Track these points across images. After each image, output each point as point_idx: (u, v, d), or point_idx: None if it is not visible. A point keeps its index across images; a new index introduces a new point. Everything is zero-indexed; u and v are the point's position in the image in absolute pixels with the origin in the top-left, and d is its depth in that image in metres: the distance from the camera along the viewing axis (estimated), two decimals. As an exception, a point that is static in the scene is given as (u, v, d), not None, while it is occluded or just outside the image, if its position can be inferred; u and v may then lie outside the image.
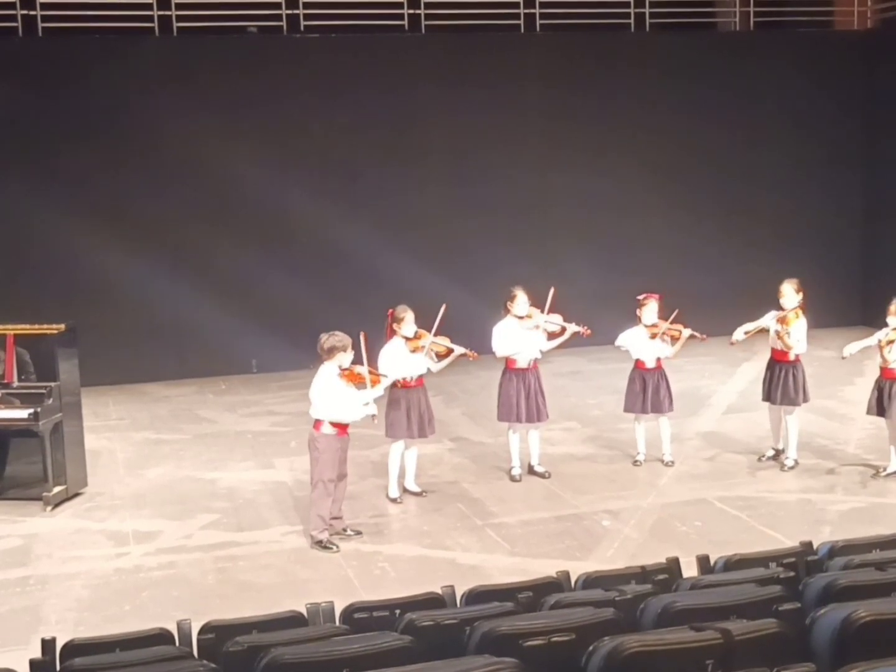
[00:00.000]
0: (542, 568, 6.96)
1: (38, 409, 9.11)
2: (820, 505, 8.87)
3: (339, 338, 8.14)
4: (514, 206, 15.52)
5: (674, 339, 9.76)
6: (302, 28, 14.94)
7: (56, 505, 9.25)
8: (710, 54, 16.22)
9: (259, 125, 14.55)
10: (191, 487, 9.89)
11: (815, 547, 5.61)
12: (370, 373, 8.29)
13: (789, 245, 15.89)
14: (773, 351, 9.76)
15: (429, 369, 9.18)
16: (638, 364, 9.90)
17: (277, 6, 14.85)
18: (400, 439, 9.18)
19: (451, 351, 9.16)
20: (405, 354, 8.96)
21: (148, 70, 14.11)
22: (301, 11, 14.86)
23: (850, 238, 16.88)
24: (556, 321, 9.61)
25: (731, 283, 15.34)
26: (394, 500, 9.24)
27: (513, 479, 9.75)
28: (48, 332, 9.38)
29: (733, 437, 10.93)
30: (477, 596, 5.10)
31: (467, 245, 15.21)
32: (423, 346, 8.99)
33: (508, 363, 9.62)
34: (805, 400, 9.71)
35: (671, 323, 9.72)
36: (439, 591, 5.24)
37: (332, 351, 8.10)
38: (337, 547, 8.14)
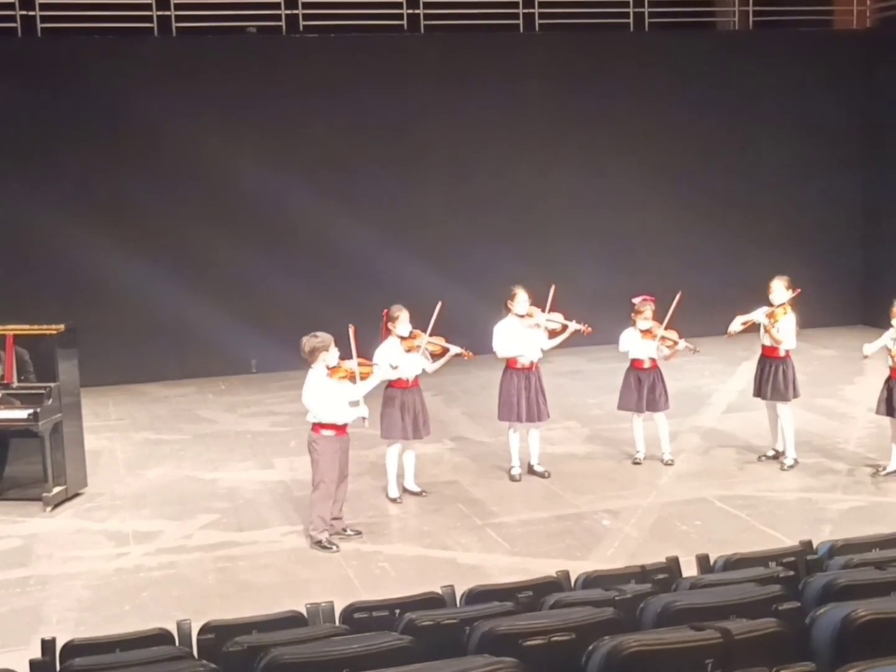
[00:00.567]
0: (542, 567, 6.96)
1: (38, 410, 9.10)
2: (820, 504, 8.87)
3: (320, 338, 8.09)
4: (514, 205, 15.53)
5: (668, 348, 9.76)
6: (301, 28, 14.94)
7: (56, 505, 9.25)
8: (710, 54, 16.22)
9: (258, 125, 14.55)
10: (191, 487, 9.89)
11: (814, 546, 5.61)
12: (360, 365, 8.25)
13: (789, 244, 15.89)
14: (764, 347, 9.83)
15: (424, 370, 9.16)
16: (634, 363, 9.91)
17: (276, 6, 14.86)
18: (395, 440, 9.18)
19: (446, 350, 9.14)
20: (400, 354, 8.95)
21: (147, 70, 14.12)
22: (300, 11, 14.86)
23: (850, 237, 16.89)
24: (556, 319, 9.61)
25: (730, 281, 15.34)
26: (394, 500, 9.24)
27: (512, 478, 9.75)
28: (48, 332, 9.38)
29: (733, 435, 10.93)
30: (477, 596, 5.10)
31: (467, 244, 15.21)
32: (418, 346, 8.98)
33: (509, 362, 9.62)
34: (795, 395, 9.74)
35: (666, 328, 9.72)
36: (439, 591, 5.24)
37: (313, 353, 8.06)
38: (337, 547, 8.14)
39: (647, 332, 9.73)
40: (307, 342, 8.09)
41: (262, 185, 14.48)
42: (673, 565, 5.50)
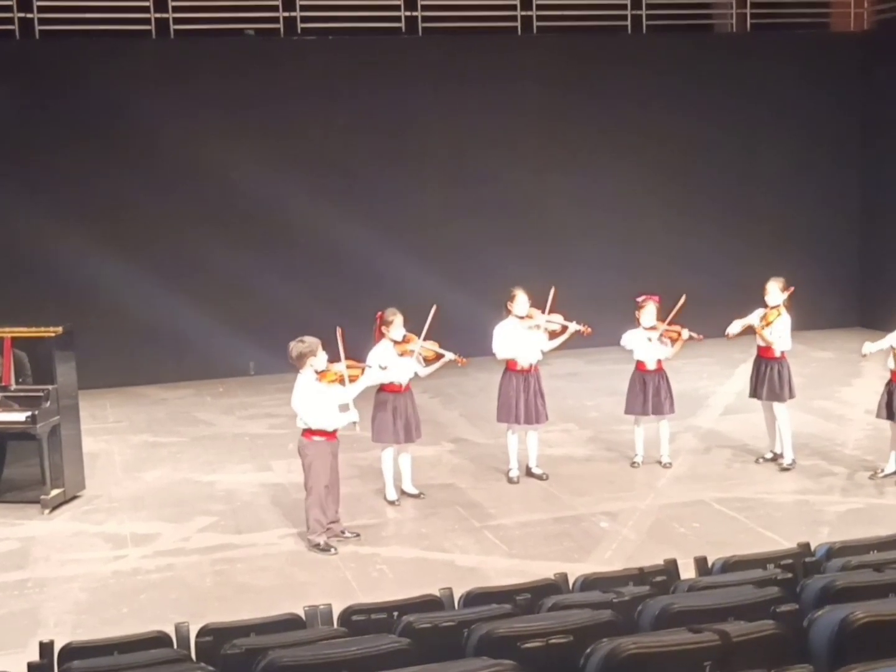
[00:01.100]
0: (540, 570, 6.96)
1: (36, 412, 9.10)
2: (818, 506, 8.88)
3: (307, 343, 8.06)
4: (513, 207, 15.54)
5: (672, 341, 9.76)
6: (299, 30, 14.95)
7: (54, 508, 9.25)
8: (707, 56, 16.24)
9: (256, 127, 14.56)
10: (188, 490, 9.89)
11: (812, 548, 5.61)
12: (349, 367, 8.23)
13: (786, 246, 15.91)
14: (759, 348, 9.86)
15: (416, 373, 9.15)
16: (639, 366, 9.90)
17: (275, 9, 14.87)
18: (386, 443, 9.17)
19: (439, 356, 9.13)
20: (393, 358, 8.94)
21: (145, 73, 14.12)
22: (298, 14, 14.87)
23: (848, 239, 16.91)
24: (556, 320, 9.61)
25: (728, 283, 15.35)
26: (391, 503, 9.24)
27: (510, 480, 9.75)
28: (46, 334, 9.37)
29: (731, 437, 10.94)
30: (475, 598, 5.10)
31: (466, 246, 15.22)
32: (411, 351, 8.96)
33: (509, 364, 9.62)
34: (791, 396, 9.75)
35: (669, 324, 9.72)
36: (437, 594, 5.24)
37: (301, 358, 8.04)
38: (335, 549, 8.14)
39: (651, 329, 9.72)
40: (294, 347, 8.07)
41: (260, 188, 14.48)
42: (671, 567, 5.50)
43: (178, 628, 4.97)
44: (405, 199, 15.16)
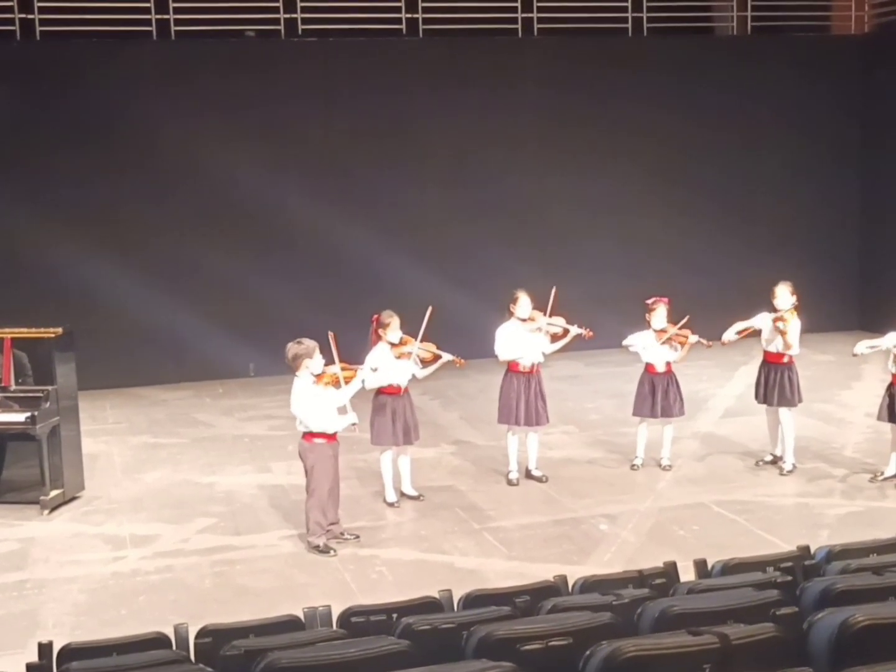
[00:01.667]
0: (540, 572, 6.96)
1: (36, 413, 9.09)
2: (817, 509, 8.88)
3: (304, 345, 8.05)
4: (513, 209, 15.54)
5: (681, 345, 9.74)
6: (300, 32, 14.95)
7: (53, 509, 9.24)
8: (708, 58, 16.24)
9: (257, 129, 14.55)
10: (188, 491, 9.88)
11: (812, 551, 5.60)
12: (343, 369, 8.23)
13: (786, 248, 15.91)
14: (767, 353, 9.78)
15: (414, 375, 9.15)
16: (648, 368, 9.88)
17: (275, 10, 14.87)
18: (385, 446, 9.17)
19: (437, 357, 9.12)
20: (391, 360, 8.94)
21: (146, 74, 14.12)
22: (299, 15, 14.88)
23: (847, 242, 16.91)
24: (558, 323, 9.61)
25: (728, 285, 15.36)
26: (391, 505, 9.23)
27: (510, 482, 9.74)
28: (46, 335, 9.38)
29: (731, 440, 10.93)
30: (474, 600, 5.09)
31: (467, 248, 15.22)
32: (409, 353, 8.95)
33: (511, 366, 9.61)
34: (799, 400, 9.73)
35: (680, 329, 9.71)
36: (436, 595, 5.23)
37: (297, 359, 8.04)
38: (334, 551, 8.13)
39: (661, 332, 9.71)
40: (291, 349, 8.07)
41: (260, 189, 14.48)
42: (670, 570, 5.49)
43: (177, 629, 4.97)
44: (405, 201, 15.16)
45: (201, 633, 4.81)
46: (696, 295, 14.03)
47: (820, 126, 16.49)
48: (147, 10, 14.41)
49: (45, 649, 4.79)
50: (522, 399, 9.52)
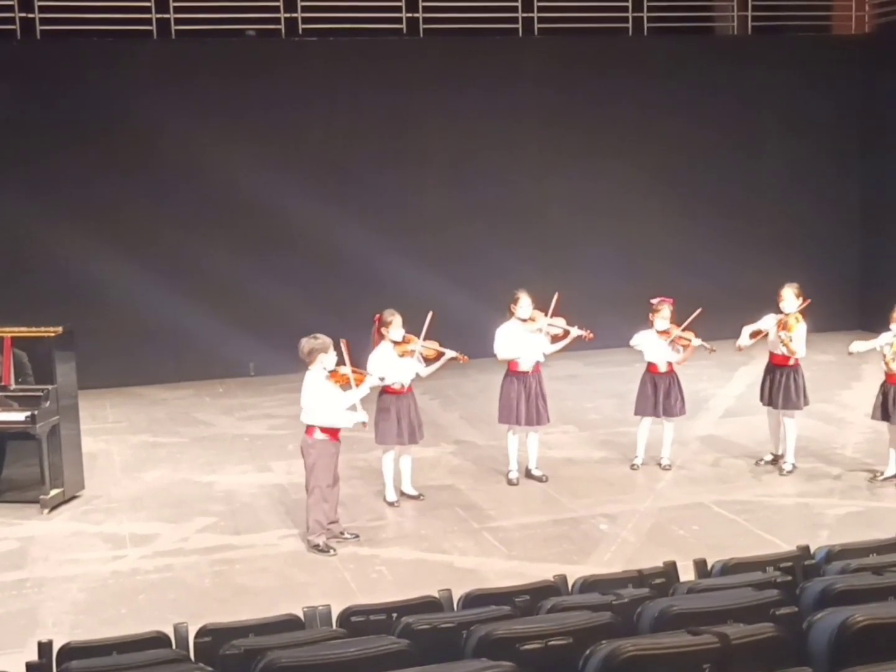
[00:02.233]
0: (540, 571, 6.96)
1: (36, 412, 9.09)
2: (817, 509, 8.88)
3: (320, 340, 8.10)
4: (514, 210, 15.54)
5: (684, 348, 9.74)
6: (300, 31, 14.94)
7: (53, 508, 9.24)
8: (708, 59, 16.23)
9: (257, 129, 14.55)
10: (188, 490, 9.89)
11: (812, 551, 5.61)
12: (354, 372, 8.25)
13: (787, 249, 15.90)
14: (772, 355, 9.75)
15: (418, 374, 9.15)
16: (650, 367, 9.87)
17: (276, 10, 14.86)
18: (390, 445, 9.17)
19: (440, 354, 9.13)
20: (394, 359, 8.94)
21: (146, 74, 14.12)
22: (299, 15, 14.87)
23: (848, 242, 16.91)
24: (559, 324, 9.61)
25: (728, 287, 15.35)
26: (391, 504, 9.23)
27: (510, 482, 9.74)
28: (46, 334, 9.38)
29: (731, 440, 10.93)
30: (474, 599, 5.09)
31: (466, 249, 15.22)
32: (412, 351, 8.96)
33: (511, 366, 9.61)
34: (805, 403, 9.73)
35: (683, 330, 9.69)
36: (436, 595, 5.23)
37: (312, 353, 8.06)
38: (334, 550, 8.13)
39: (664, 333, 9.70)
40: (307, 343, 8.10)
41: (260, 189, 14.47)
42: (670, 570, 5.50)
43: (176, 629, 4.97)
44: (405, 201, 15.15)
45: (201, 633, 4.81)
46: (696, 297, 14.00)
47: (820, 126, 16.49)
48: (147, 10, 14.40)
49: (44, 648, 4.79)
50: (523, 399, 9.52)
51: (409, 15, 15.29)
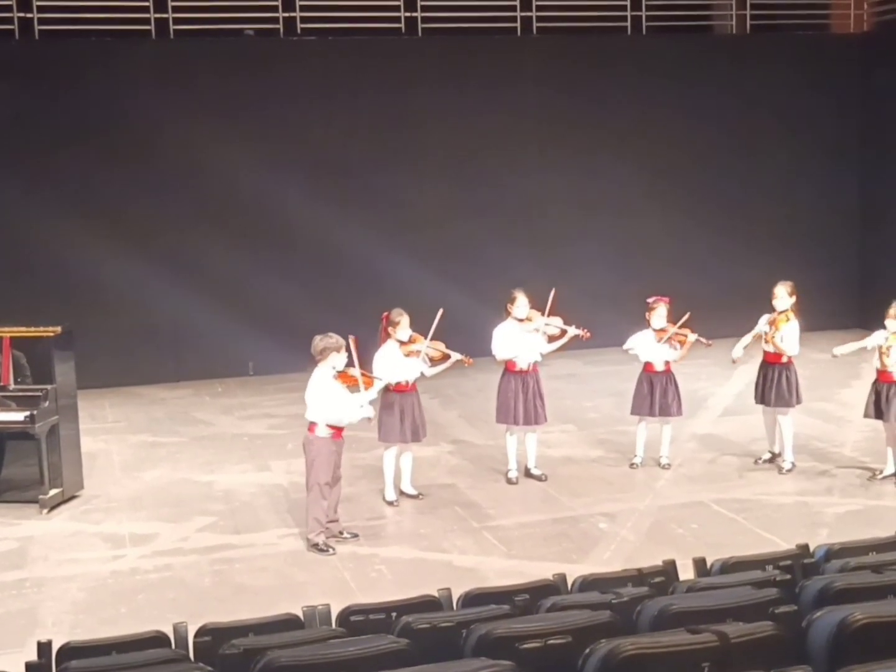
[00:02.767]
0: (539, 570, 6.96)
1: (35, 412, 9.09)
2: (816, 507, 8.88)
3: (334, 339, 8.12)
4: (512, 209, 15.53)
5: (681, 344, 9.74)
6: (299, 31, 14.94)
7: (52, 507, 9.24)
8: (707, 57, 16.23)
9: (256, 128, 14.54)
10: (187, 490, 9.88)
11: (811, 550, 5.61)
12: (363, 375, 8.27)
13: (786, 247, 15.90)
14: (766, 353, 9.78)
15: (422, 373, 9.15)
16: (647, 367, 9.87)
17: (274, 9, 14.86)
18: (393, 443, 9.17)
19: (446, 356, 9.13)
20: (399, 358, 8.95)
21: (145, 73, 14.10)
22: (298, 14, 14.86)
23: (847, 241, 16.90)
24: (556, 324, 9.61)
25: (727, 285, 15.35)
26: (390, 503, 9.23)
27: (509, 481, 9.74)
28: (44, 334, 9.37)
29: (730, 439, 10.94)
30: (473, 598, 5.10)
31: (466, 247, 15.21)
32: (418, 351, 8.97)
33: (508, 365, 9.61)
34: (798, 401, 9.73)
35: (680, 327, 9.70)
36: (436, 594, 5.24)
37: (325, 352, 8.09)
38: (333, 549, 8.14)
39: (660, 332, 9.70)
40: (321, 341, 8.11)
41: (259, 188, 14.46)
42: (669, 568, 5.50)
43: (176, 628, 4.97)
44: (404, 200, 15.14)
45: (200, 632, 4.81)
46: (695, 295, 14.02)
47: (819, 125, 16.48)
48: (146, 9, 14.38)
49: (44, 648, 4.80)
50: (521, 399, 9.52)
51: (408, 14, 15.28)
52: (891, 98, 15.94)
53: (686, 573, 5.63)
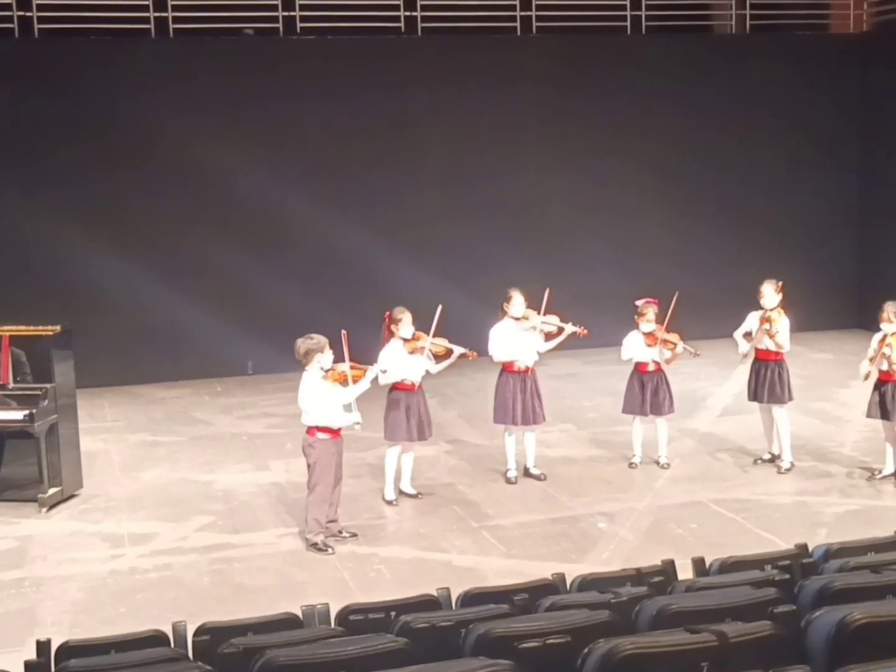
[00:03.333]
0: (538, 570, 6.96)
1: (34, 411, 9.09)
2: (815, 507, 8.88)
3: (315, 340, 8.10)
4: (511, 208, 15.52)
5: (670, 351, 9.74)
6: (298, 30, 14.93)
7: (51, 507, 9.24)
8: (707, 57, 16.23)
9: (255, 127, 14.54)
10: (186, 489, 9.88)
11: (810, 549, 5.61)
12: (352, 368, 8.26)
13: (784, 247, 15.90)
14: (758, 351, 9.81)
15: (427, 371, 9.16)
16: (638, 366, 9.88)
17: (274, 8, 14.86)
18: (399, 442, 9.17)
19: (450, 351, 9.12)
20: (404, 356, 8.95)
21: (144, 72, 14.10)
22: (297, 13, 14.86)
23: (845, 240, 16.90)
24: (552, 322, 9.60)
25: (725, 284, 15.33)
26: (390, 503, 9.23)
27: (508, 481, 9.74)
28: (44, 333, 9.38)
29: (729, 439, 10.94)
30: (472, 598, 5.10)
31: (464, 247, 15.21)
32: (421, 348, 8.97)
33: (506, 365, 9.61)
34: (790, 398, 9.74)
35: (668, 331, 9.70)
36: (435, 594, 5.24)
37: (308, 354, 8.07)
38: (332, 549, 8.14)
39: (649, 336, 9.71)
40: (302, 344, 8.11)
41: (258, 188, 14.47)
42: (668, 568, 5.50)
43: (175, 627, 4.97)
44: (403, 199, 15.14)
45: (199, 631, 4.81)
46: (693, 294, 14.03)
47: (818, 124, 16.48)
48: (145, 8, 14.38)
49: (43, 647, 4.80)
50: (518, 399, 9.51)
51: (408, 13, 15.28)
52: (890, 98, 15.94)
53: (685, 573, 5.63)
